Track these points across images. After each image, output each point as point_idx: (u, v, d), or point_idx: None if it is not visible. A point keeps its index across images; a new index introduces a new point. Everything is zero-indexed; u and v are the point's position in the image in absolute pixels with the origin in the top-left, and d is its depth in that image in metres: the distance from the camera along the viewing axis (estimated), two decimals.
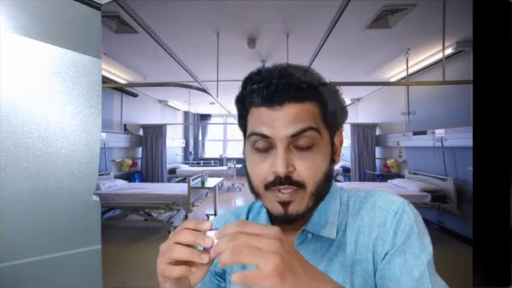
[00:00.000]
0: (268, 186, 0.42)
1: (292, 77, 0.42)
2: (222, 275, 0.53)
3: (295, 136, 0.40)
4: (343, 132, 0.50)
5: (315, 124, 0.42)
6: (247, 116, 0.45)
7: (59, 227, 0.83)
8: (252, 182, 0.45)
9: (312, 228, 0.45)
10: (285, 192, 0.41)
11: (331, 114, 0.45)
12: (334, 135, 0.47)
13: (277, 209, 0.42)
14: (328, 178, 0.44)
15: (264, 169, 0.42)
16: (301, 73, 0.43)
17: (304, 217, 0.43)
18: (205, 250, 0.32)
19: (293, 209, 0.41)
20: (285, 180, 0.40)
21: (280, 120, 0.41)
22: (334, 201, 0.47)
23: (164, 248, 0.33)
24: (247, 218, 0.54)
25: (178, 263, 0.33)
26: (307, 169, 0.41)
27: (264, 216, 0.50)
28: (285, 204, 0.41)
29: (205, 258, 0.31)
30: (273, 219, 0.46)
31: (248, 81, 0.44)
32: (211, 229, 0.33)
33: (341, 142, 0.49)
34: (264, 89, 0.41)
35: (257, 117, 0.43)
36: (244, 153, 0.48)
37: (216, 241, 0.31)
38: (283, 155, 0.40)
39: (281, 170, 0.39)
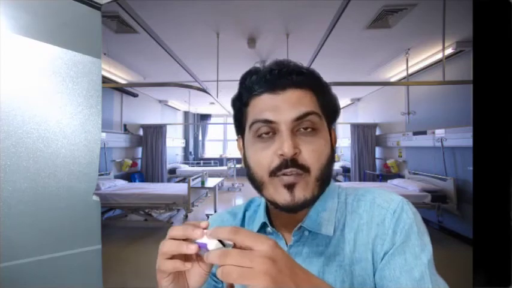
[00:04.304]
0: (273, 172, 0.41)
1: (292, 64, 0.44)
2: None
3: (299, 120, 0.41)
4: (343, 133, 0.51)
5: (316, 109, 0.43)
6: (246, 110, 0.46)
7: (59, 227, 0.83)
8: (254, 172, 0.44)
9: (308, 225, 0.44)
10: (290, 175, 0.41)
11: (327, 106, 0.46)
12: (330, 131, 0.47)
13: (284, 196, 0.41)
14: (331, 165, 0.45)
15: (268, 155, 0.42)
16: (300, 64, 0.45)
17: (309, 205, 0.43)
18: (201, 247, 0.32)
19: (300, 194, 0.41)
20: (291, 163, 0.40)
21: (283, 105, 0.42)
22: (332, 198, 0.47)
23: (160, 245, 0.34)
24: (243, 217, 0.54)
25: (173, 257, 0.33)
26: (312, 152, 0.41)
27: (261, 216, 0.49)
28: (290, 187, 0.41)
29: (192, 248, 0.31)
30: (278, 208, 0.43)
31: (247, 76, 0.45)
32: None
33: (335, 139, 0.49)
34: (267, 75, 0.43)
35: (259, 105, 0.44)
36: (242, 148, 0.49)
37: (205, 237, 0.32)
38: (290, 137, 0.40)
39: (288, 151, 0.39)
